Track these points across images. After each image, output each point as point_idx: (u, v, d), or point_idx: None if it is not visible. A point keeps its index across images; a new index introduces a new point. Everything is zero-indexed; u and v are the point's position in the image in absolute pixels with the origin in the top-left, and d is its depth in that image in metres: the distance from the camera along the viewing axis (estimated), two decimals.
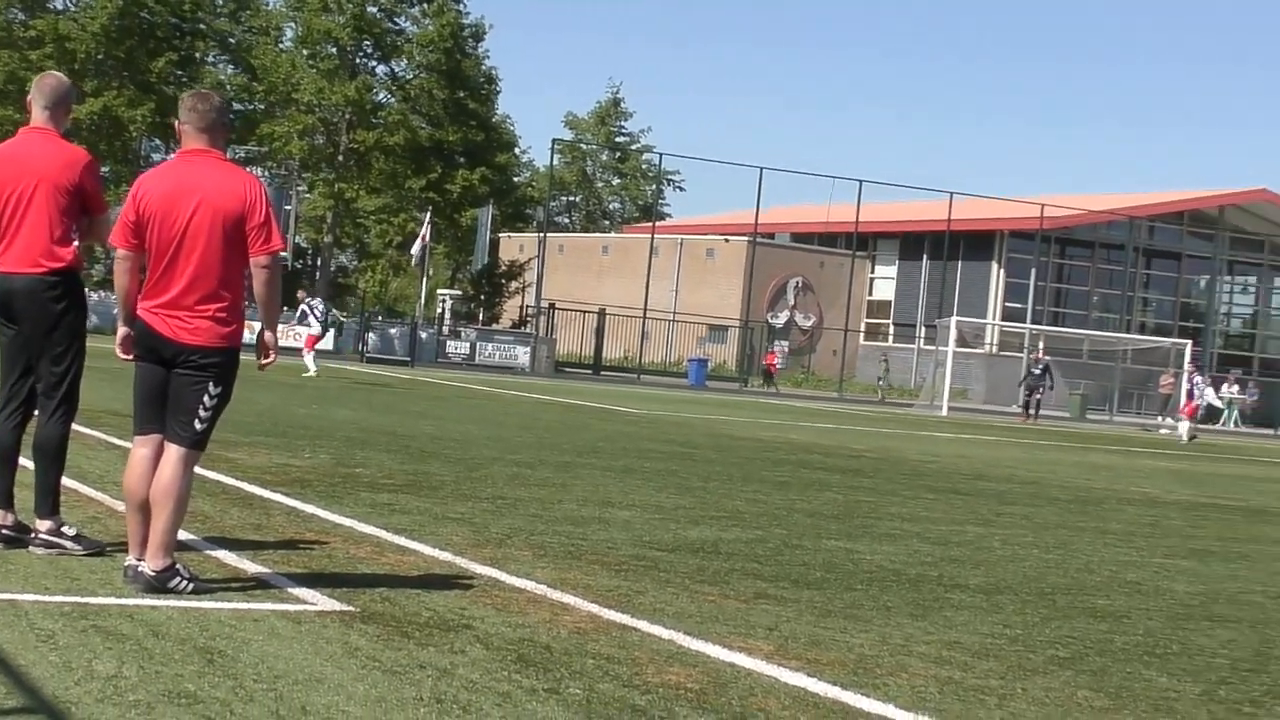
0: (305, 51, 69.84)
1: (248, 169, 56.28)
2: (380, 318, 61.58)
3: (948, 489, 18.18)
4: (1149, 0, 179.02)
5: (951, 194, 69.50)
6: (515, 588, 8.39)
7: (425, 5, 70.88)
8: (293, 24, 71.70)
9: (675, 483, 15.62)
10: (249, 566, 8.33)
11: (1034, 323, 73.55)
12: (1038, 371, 54.98)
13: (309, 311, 38.51)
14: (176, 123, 7.77)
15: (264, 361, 7.89)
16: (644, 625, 7.60)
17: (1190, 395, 49.58)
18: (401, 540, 9.81)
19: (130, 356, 7.78)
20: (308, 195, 76.07)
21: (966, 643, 7.95)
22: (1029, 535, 13.58)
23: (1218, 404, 62.11)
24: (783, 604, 8.65)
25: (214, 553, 8.70)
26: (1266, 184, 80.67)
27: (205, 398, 7.57)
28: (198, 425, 7.59)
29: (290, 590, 7.75)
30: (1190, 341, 65.04)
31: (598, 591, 8.47)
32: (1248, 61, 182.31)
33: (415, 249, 59.25)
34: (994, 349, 72.39)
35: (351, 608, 7.42)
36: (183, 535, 8.26)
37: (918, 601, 9.19)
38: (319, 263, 75.53)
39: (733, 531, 11.85)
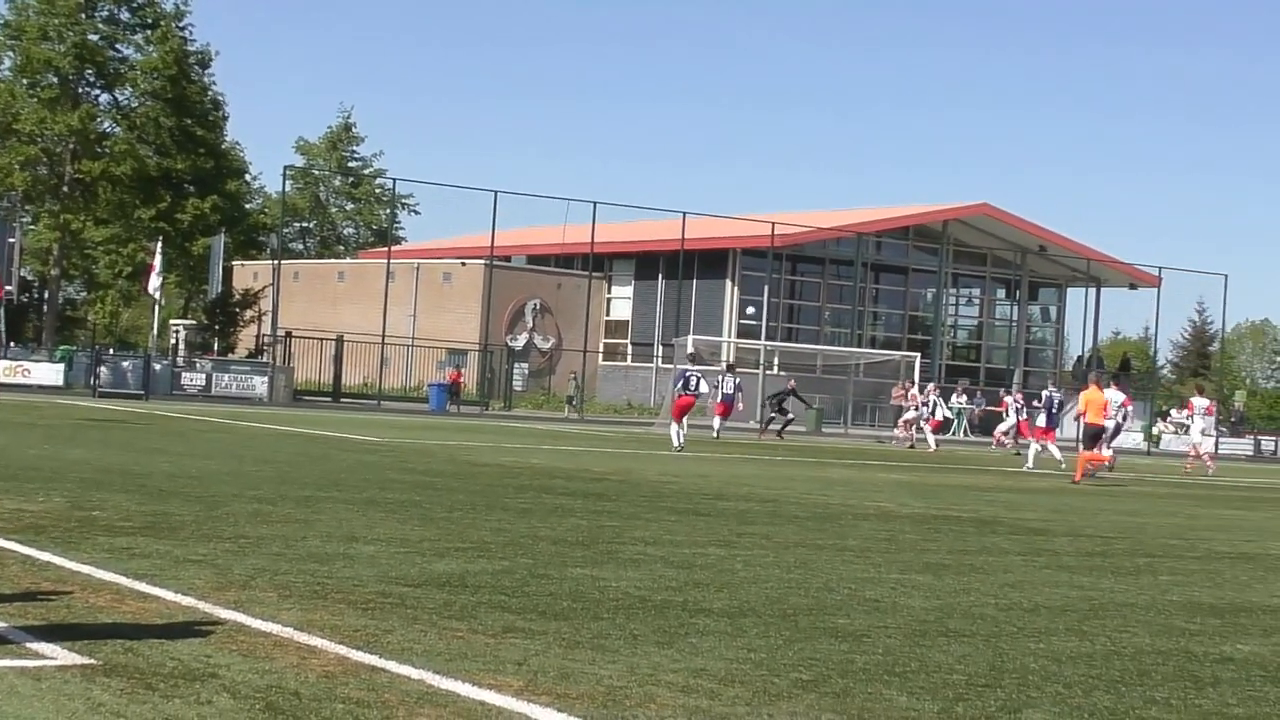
0: (25, 80, 68.21)
1: None
2: (111, 350, 60.30)
3: (689, 510, 18.39)
4: (867, 21, 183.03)
5: (685, 214, 70.36)
6: (261, 631, 8.32)
7: (149, 32, 69.65)
8: (11, 53, 69.97)
9: (419, 514, 15.58)
10: None
11: (768, 339, 74.72)
12: (787, 388, 55.91)
13: None
14: None
15: None
16: (393, 666, 7.59)
17: (932, 410, 51.25)
18: (142, 586, 9.65)
19: None
20: (32, 227, 74.23)
21: (712, 669, 8.08)
22: (770, 555, 13.81)
23: (948, 414, 63.64)
24: (531, 637, 8.70)
25: None
26: (987, 198, 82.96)
27: None
28: None
29: (29, 645, 7.58)
30: (919, 354, 66.69)
31: (345, 632, 8.43)
32: (969, 80, 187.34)
33: (153, 284, 58.06)
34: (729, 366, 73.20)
35: (94, 660, 7.28)
36: None
37: (664, 628, 9.30)
38: (45, 296, 73.76)
39: (479, 563, 11.86)
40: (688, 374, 37.51)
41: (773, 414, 55.15)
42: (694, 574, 12.04)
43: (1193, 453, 45.40)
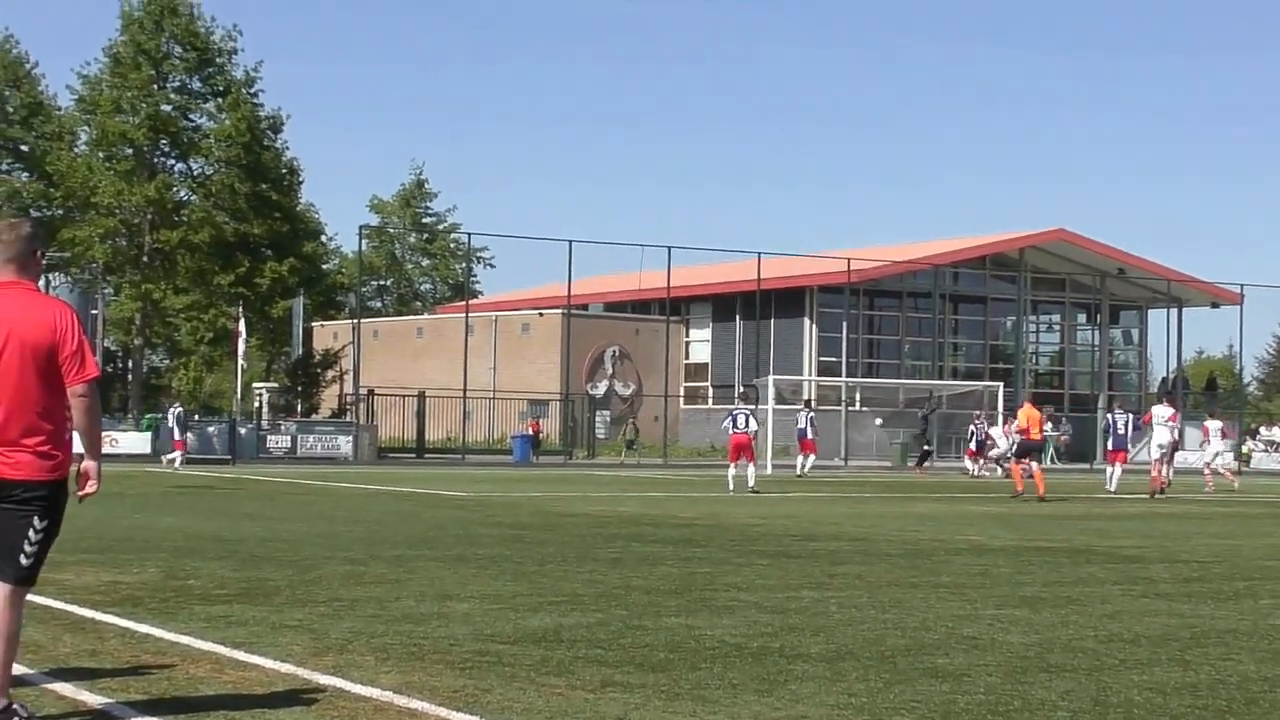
0: (101, 154, 69.10)
1: (53, 286, 55.51)
2: (197, 416, 60.79)
3: (779, 552, 18.33)
4: (937, 49, 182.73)
5: (760, 253, 70.52)
6: (361, 696, 8.34)
7: (220, 100, 70.37)
8: (86, 127, 70.90)
9: (510, 568, 15.59)
10: (89, 698, 8.19)
11: (849, 375, 74.54)
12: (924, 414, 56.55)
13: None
14: None
15: (84, 492, 7.75)
16: None
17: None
18: (240, 654, 9.70)
19: None
20: (114, 298, 75.01)
21: (814, 716, 8.03)
22: (864, 595, 13.73)
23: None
24: (630, 690, 8.68)
25: (51, 685, 8.54)
26: (1063, 224, 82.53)
27: (31, 532, 7.43)
28: (24, 560, 7.45)
29: None
30: (1002, 383, 66.31)
31: (444, 693, 8.43)
32: (1035, 107, 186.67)
33: (241, 351, 58.75)
34: (814, 404, 73.12)
35: None
36: (17, 670, 8.10)
37: (762, 676, 9.26)
38: (130, 365, 74.50)
39: (573, 616, 11.85)
40: (735, 412, 37.08)
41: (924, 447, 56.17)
42: (789, 618, 11.99)
43: (1207, 472, 44.69)
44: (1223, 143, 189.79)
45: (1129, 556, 18.89)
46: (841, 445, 69.43)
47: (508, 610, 12.14)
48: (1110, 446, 41.14)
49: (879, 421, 59.46)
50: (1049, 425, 55.18)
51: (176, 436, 45.81)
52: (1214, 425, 46.18)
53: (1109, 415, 42.62)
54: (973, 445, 55.62)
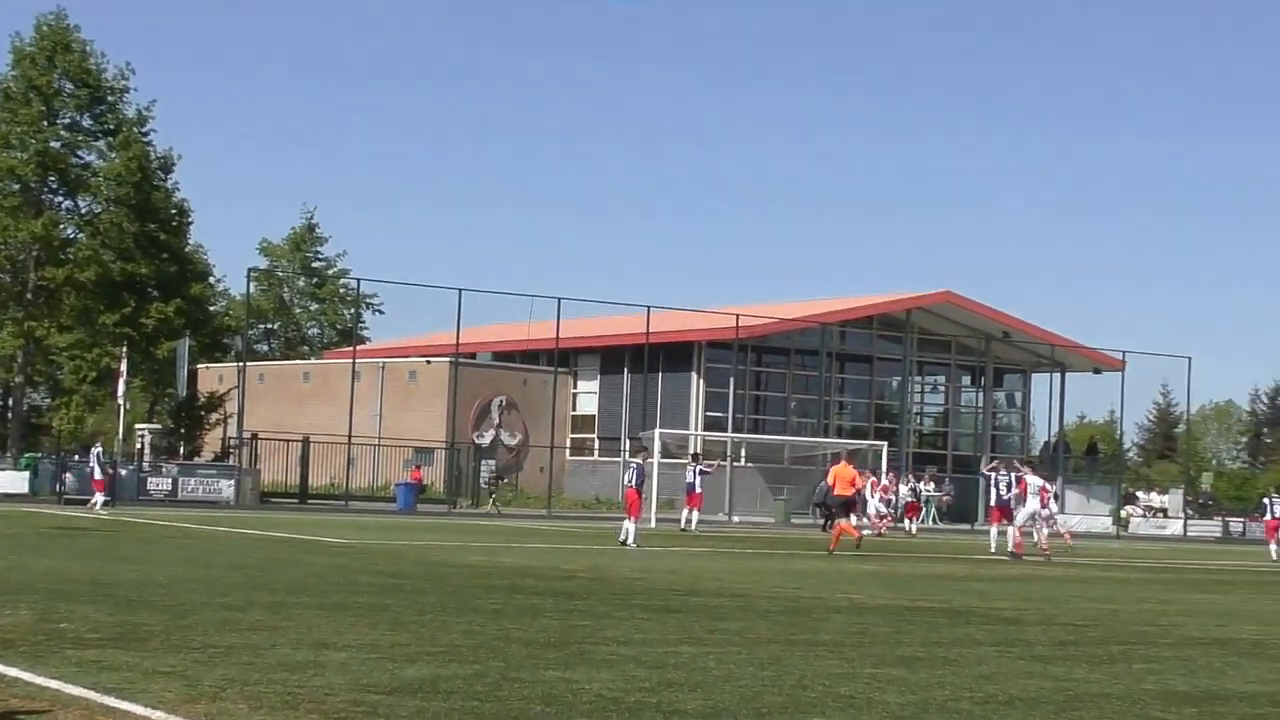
0: None
1: None
2: (77, 457, 59.99)
3: (661, 607, 18.33)
4: (830, 104, 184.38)
5: (649, 307, 70.61)
6: None
7: (111, 138, 69.67)
8: None
9: (389, 617, 15.50)
10: None
11: (735, 431, 74.73)
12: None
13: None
14: None
15: None
16: None
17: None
18: (111, 700, 9.57)
19: None
20: None
21: None
22: (743, 652, 13.75)
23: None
24: None
25: None
26: (950, 286, 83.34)
27: None
28: None
29: None
30: (886, 442, 66.75)
31: None
32: (930, 169, 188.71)
33: (120, 391, 57.98)
34: (702, 458, 73.25)
35: None
36: None
37: None
38: (10, 403, 73.43)
39: (450, 667, 11.79)
40: (630, 464, 37.38)
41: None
42: (667, 674, 11.98)
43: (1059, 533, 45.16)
44: (1108, 211, 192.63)
45: (1007, 618, 19.06)
46: (726, 500, 69.51)
47: (385, 660, 12.06)
48: (993, 504, 41.36)
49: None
50: (930, 485, 55.83)
51: (97, 476, 45.99)
52: (1033, 482, 46.49)
53: (993, 475, 42.57)
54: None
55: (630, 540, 34.98)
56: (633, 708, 10.18)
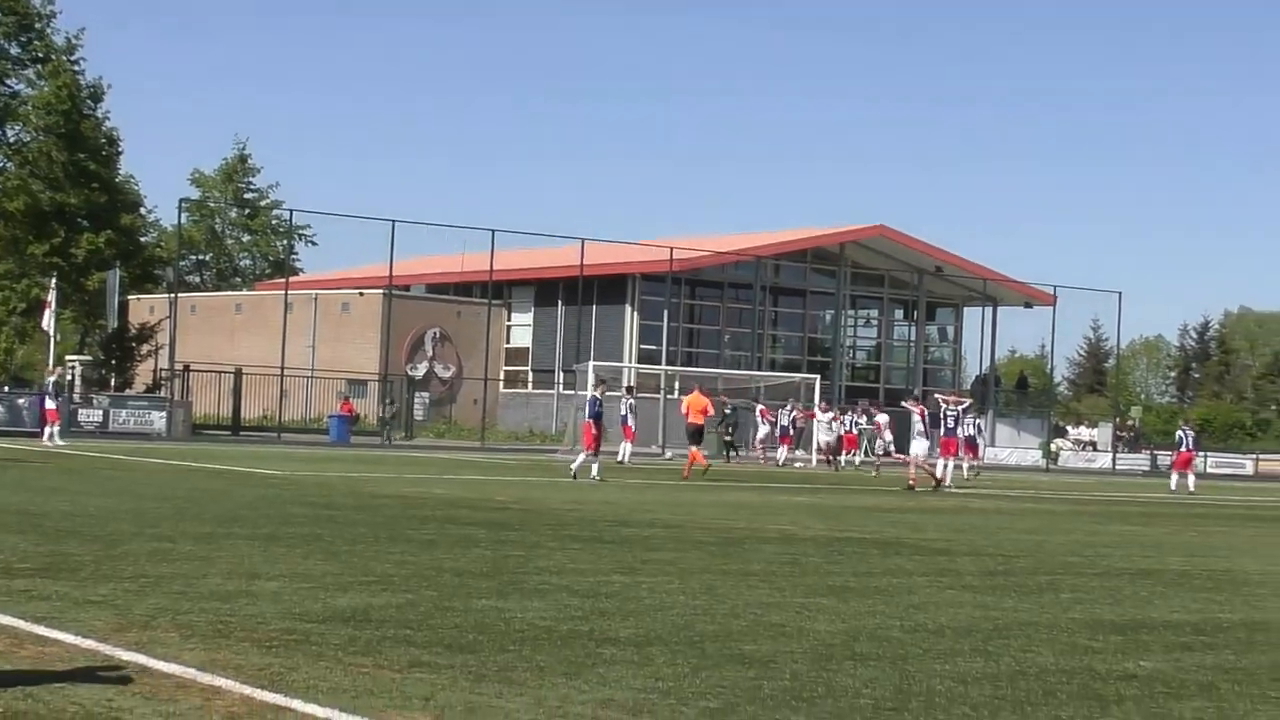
0: None
1: None
2: (6, 388, 59.51)
3: (593, 538, 18.38)
4: (766, 39, 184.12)
5: (583, 240, 70.52)
6: (164, 673, 8.22)
7: (40, 67, 68.79)
8: None
9: (321, 548, 15.48)
10: None
11: (668, 364, 74.83)
12: (728, 412, 57.15)
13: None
14: None
15: None
16: (298, 704, 7.52)
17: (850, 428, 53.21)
18: (41, 629, 9.52)
19: None
20: None
21: (620, 699, 8.06)
22: (675, 582, 13.80)
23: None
24: (437, 671, 8.65)
25: None
26: (884, 220, 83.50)
27: None
28: None
29: None
30: (819, 375, 66.98)
31: (249, 672, 8.34)
32: (865, 99, 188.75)
33: (47, 320, 57.45)
34: (635, 391, 73.35)
35: None
36: None
37: (570, 659, 9.28)
38: None
39: (382, 596, 11.79)
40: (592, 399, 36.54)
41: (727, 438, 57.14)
42: (599, 603, 12.02)
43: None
44: (1042, 144, 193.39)
45: (937, 549, 19.20)
46: (660, 433, 69.61)
47: (317, 589, 12.04)
48: (943, 436, 40.94)
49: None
50: (863, 418, 56.03)
51: (50, 406, 45.36)
52: (823, 417, 47.48)
53: (925, 408, 42.13)
54: (790, 434, 56.98)
55: (593, 473, 34.29)
56: (565, 636, 10.21)
